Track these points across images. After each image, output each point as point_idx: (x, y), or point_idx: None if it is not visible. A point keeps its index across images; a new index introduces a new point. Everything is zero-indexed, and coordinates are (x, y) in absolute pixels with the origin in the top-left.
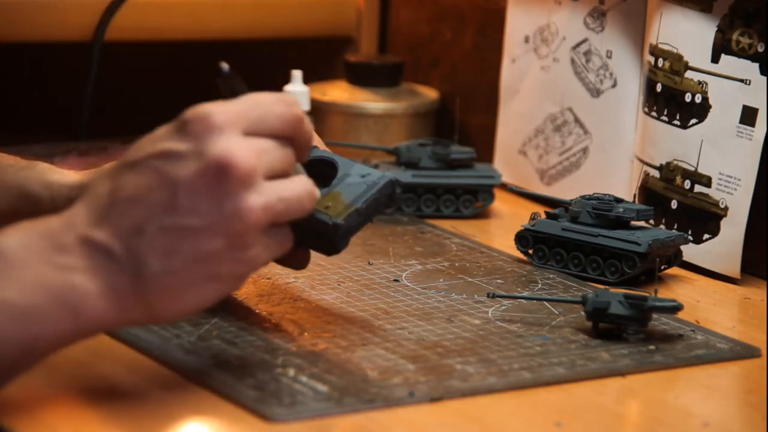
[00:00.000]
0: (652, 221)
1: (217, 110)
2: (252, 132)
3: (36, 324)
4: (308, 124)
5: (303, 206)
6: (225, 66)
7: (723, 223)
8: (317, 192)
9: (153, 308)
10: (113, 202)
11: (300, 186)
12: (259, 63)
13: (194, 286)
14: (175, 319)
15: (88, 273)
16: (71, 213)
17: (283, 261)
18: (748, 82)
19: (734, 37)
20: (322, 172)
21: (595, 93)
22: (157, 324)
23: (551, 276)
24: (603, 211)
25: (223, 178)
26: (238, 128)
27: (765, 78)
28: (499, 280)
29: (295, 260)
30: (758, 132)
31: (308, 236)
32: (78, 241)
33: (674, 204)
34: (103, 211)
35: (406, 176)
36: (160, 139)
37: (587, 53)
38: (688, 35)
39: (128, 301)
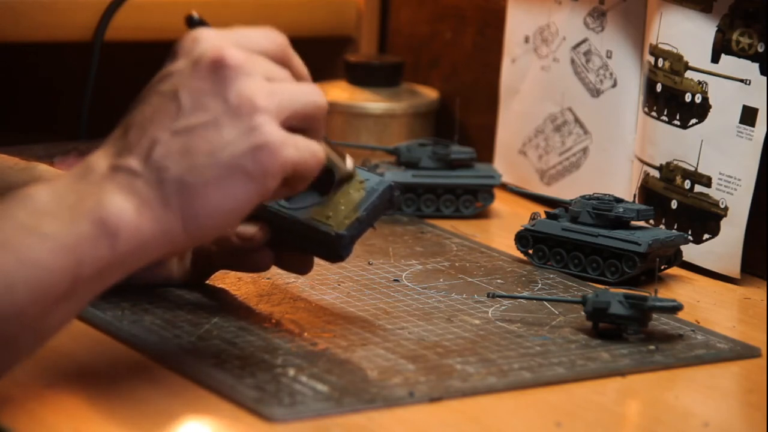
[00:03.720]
0: (652, 221)
1: (203, 29)
2: (240, 47)
3: (76, 250)
4: (298, 58)
5: (314, 99)
6: (196, 15)
7: (723, 223)
8: (321, 92)
9: (185, 214)
10: (126, 132)
11: (304, 84)
12: None
13: (219, 181)
14: (212, 226)
15: (118, 193)
16: (91, 158)
17: (286, 266)
18: (748, 82)
19: (734, 37)
20: (318, 178)
21: (595, 93)
22: (199, 239)
23: (551, 276)
24: (603, 211)
25: (220, 70)
26: (227, 40)
27: (765, 78)
28: (499, 280)
29: (299, 265)
30: (758, 132)
31: (312, 245)
32: (103, 173)
33: (674, 204)
34: (118, 143)
35: (406, 176)
36: (158, 73)
37: (587, 53)
38: (688, 35)
39: (160, 212)
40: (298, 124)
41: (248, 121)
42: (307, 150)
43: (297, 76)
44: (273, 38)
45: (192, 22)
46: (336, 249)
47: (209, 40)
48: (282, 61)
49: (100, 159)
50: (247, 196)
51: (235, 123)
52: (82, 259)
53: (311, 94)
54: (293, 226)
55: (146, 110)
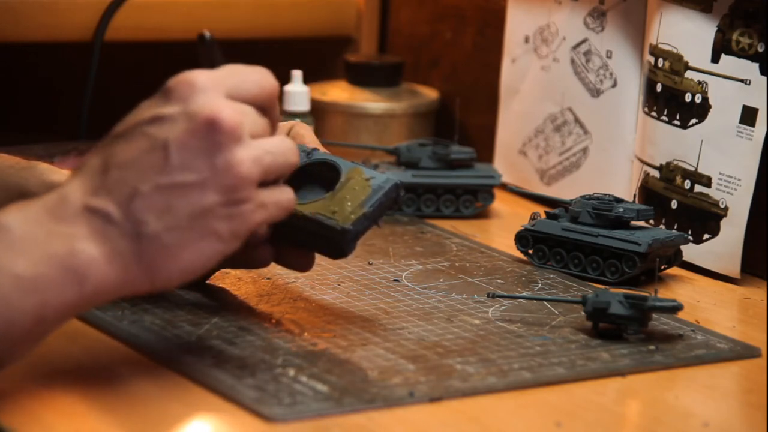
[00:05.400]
0: (652, 221)
1: (199, 75)
2: (232, 96)
3: (43, 292)
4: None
5: (288, 160)
6: (208, 34)
7: (723, 223)
8: (296, 148)
9: (154, 270)
10: (106, 170)
11: (281, 141)
12: (259, 63)
13: (193, 243)
14: (176, 282)
15: (90, 239)
16: (66, 187)
17: (287, 263)
18: (748, 82)
19: (734, 37)
20: (323, 174)
21: (595, 93)
22: (157, 290)
23: (551, 276)
24: (603, 211)
25: (213, 133)
26: (221, 90)
27: (765, 78)
28: (499, 280)
29: (300, 262)
30: (758, 132)
31: (314, 240)
32: (77, 211)
33: (674, 204)
34: (97, 180)
35: (406, 176)
36: (147, 107)
37: (587, 53)
38: (688, 35)
39: (130, 265)
40: (272, 179)
41: (230, 193)
42: (274, 206)
43: (273, 124)
44: (265, 85)
45: (203, 41)
46: (340, 244)
47: (206, 93)
48: (266, 108)
49: (76, 191)
50: (214, 256)
51: (218, 191)
52: (47, 301)
53: (287, 153)
54: (297, 221)
55: (131, 151)
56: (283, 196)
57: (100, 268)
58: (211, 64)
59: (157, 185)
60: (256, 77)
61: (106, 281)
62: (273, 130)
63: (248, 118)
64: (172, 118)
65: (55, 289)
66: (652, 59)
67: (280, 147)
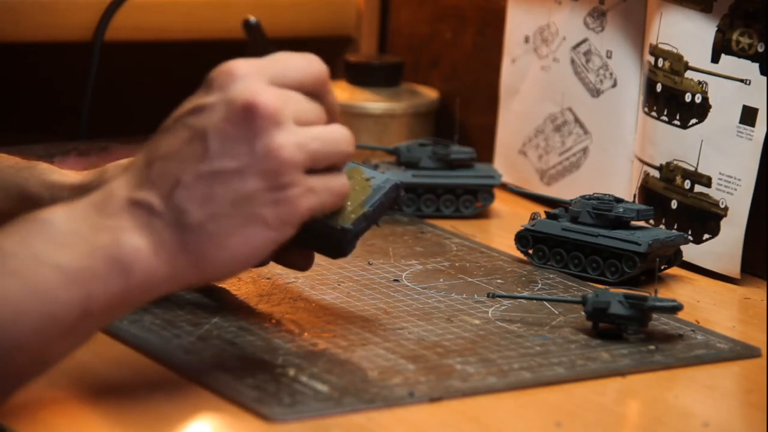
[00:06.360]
0: (652, 221)
1: (239, 63)
2: (276, 83)
3: (88, 284)
4: (333, 91)
5: (341, 148)
6: (253, 19)
7: (723, 223)
8: (351, 137)
9: (202, 260)
10: (150, 163)
11: (334, 129)
12: None
13: (238, 230)
14: (227, 272)
15: (135, 231)
16: (112, 183)
17: (286, 262)
18: (748, 82)
19: (734, 37)
20: None
21: (595, 93)
22: (211, 281)
23: (551, 276)
24: (603, 211)
25: (251, 118)
26: (263, 77)
27: (765, 78)
28: (499, 280)
29: (300, 261)
30: (758, 132)
31: (314, 240)
32: (122, 205)
33: (674, 204)
34: (142, 174)
35: (406, 176)
36: (190, 100)
37: (587, 53)
38: (688, 35)
39: (177, 255)
40: (323, 166)
41: (273, 178)
42: (325, 192)
43: (329, 111)
44: (311, 70)
45: (249, 27)
46: (340, 244)
47: (245, 80)
48: (317, 94)
49: (121, 186)
50: (264, 244)
51: (260, 176)
52: (92, 294)
53: (339, 142)
54: None
55: (173, 143)
56: (335, 182)
57: (147, 259)
58: (259, 50)
59: (198, 174)
60: (301, 63)
61: (153, 273)
62: (329, 117)
63: (292, 103)
64: (211, 107)
65: (101, 281)
66: (652, 59)
67: (332, 134)
